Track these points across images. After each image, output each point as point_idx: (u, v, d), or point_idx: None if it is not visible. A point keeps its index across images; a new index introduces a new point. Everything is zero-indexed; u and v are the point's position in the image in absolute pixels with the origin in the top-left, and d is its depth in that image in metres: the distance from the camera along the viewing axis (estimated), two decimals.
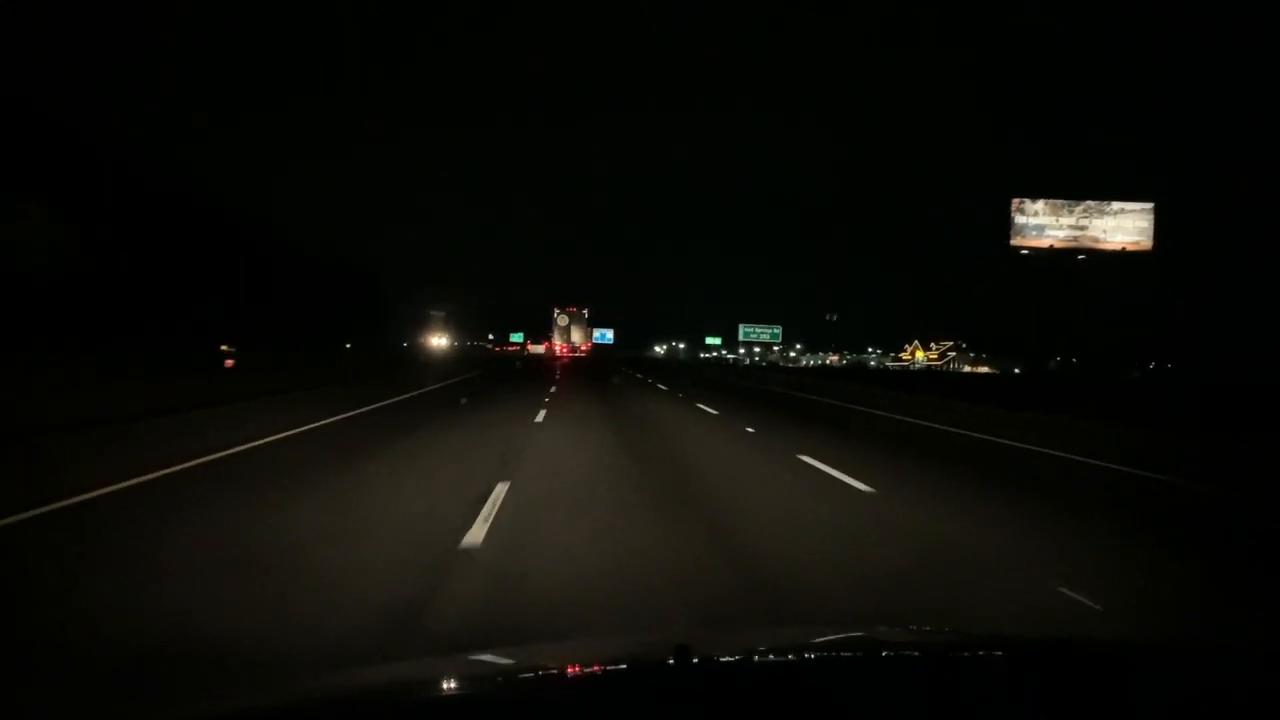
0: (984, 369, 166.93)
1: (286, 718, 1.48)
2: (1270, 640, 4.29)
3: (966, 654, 1.99)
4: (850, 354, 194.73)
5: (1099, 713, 1.47)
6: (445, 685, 1.73)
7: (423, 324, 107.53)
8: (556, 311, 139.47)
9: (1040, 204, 66.86)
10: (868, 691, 1.55)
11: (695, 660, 1.61)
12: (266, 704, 1.62)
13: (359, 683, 1.83)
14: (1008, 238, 67.42)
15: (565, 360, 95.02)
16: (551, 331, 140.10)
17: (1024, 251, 68.16)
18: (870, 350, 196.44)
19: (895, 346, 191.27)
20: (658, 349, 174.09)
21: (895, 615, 4.39)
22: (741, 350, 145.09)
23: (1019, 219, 67.11)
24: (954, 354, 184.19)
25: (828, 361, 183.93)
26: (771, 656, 1.97)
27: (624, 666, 1.86)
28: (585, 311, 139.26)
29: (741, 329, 62.18)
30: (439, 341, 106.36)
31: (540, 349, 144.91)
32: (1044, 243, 66.70)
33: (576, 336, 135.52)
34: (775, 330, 64.87)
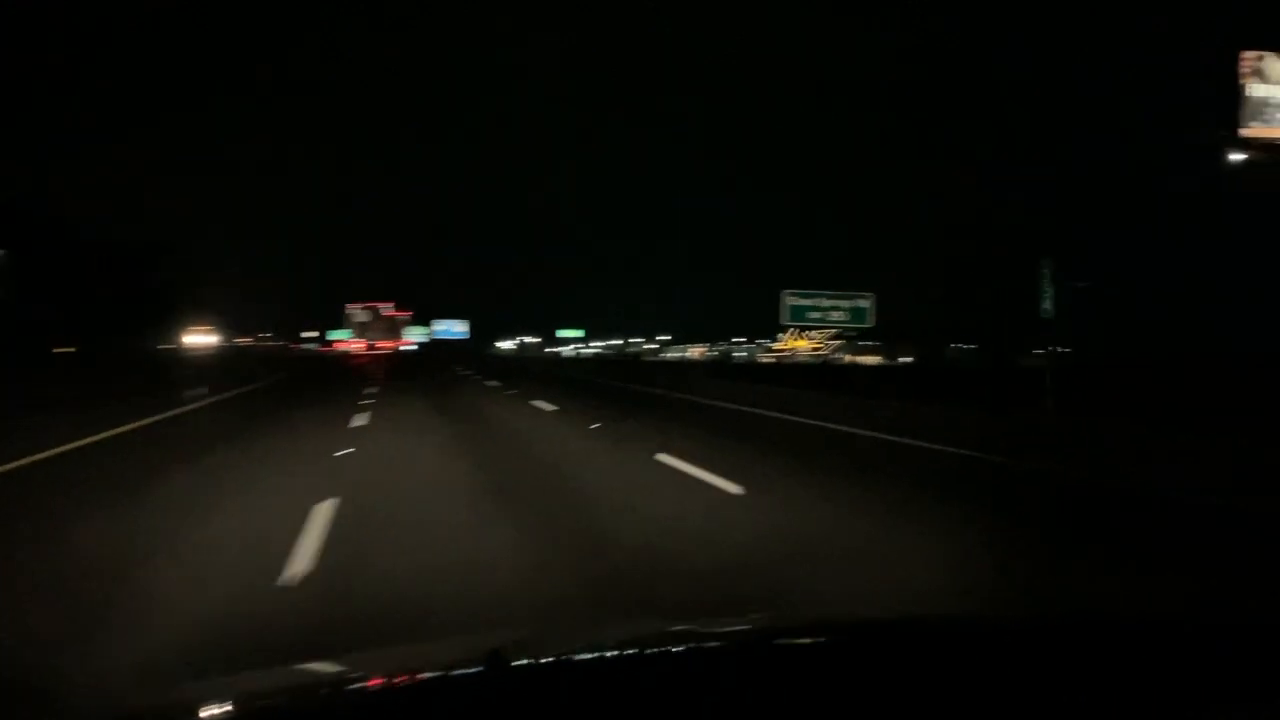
0: (873, 359, 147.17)
1: None
2: None
3: (795, 641, 1.97)
4: (720, 344, 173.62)
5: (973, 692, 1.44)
6: (234, 702, 1.68)
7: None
8: (353, 308, 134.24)
9: None
10: (686, 688, 1.53)
11: (509, 665, 1.59)
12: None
13: (170, 700, 1.86)
14: (1229, 125, 35.75)
15: (363, 360, 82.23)
16: (351, 329, 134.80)
17: (1242, 158, 36.83)
18: (735, 340, 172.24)
19: (770, 334, 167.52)
20: (507, 344, 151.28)
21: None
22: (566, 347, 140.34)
23: (1255, 89, 35.12)
24: (838, 342, 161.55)
25: (691, 354, 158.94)
26: (589, 655, 1.93)
27: (431, 676, 1.79)
28: (391, 307, 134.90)
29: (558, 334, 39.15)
30: (199, 339, 76.86)
31: (358, 346, 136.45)
32: None
33: (377, 334, 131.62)
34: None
